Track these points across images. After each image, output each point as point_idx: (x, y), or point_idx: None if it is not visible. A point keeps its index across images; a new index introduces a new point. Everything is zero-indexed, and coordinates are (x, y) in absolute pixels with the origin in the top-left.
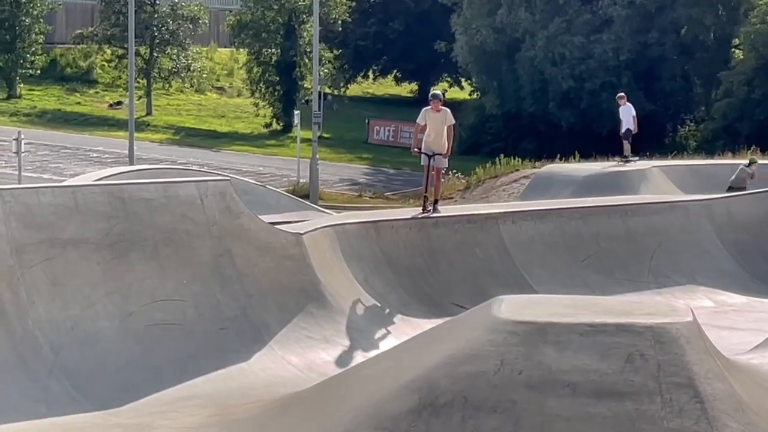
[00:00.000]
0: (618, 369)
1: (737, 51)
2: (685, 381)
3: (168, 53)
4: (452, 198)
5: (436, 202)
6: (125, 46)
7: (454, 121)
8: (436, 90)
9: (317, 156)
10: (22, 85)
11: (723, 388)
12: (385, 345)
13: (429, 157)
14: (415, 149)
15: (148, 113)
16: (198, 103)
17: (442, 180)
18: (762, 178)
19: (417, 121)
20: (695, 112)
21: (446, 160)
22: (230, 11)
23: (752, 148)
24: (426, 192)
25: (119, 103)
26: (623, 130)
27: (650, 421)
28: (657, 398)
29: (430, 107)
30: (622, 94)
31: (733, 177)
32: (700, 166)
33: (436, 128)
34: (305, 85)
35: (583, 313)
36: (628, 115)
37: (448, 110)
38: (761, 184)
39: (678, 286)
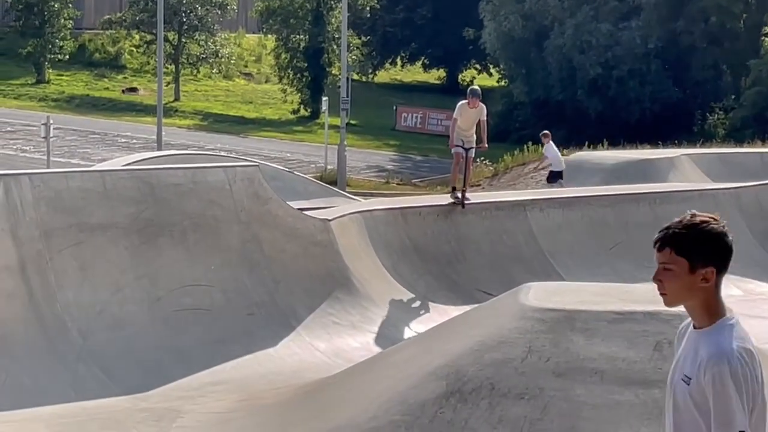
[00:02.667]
0: (646, 357)
1: (767, 39)
2: None
3: (196, 39)
4: (480, 185)
5: (465, 190)
6: (153, 31)
7: (486, 116)
8: (475, 87)
9: (345, 142)
10: (50, 70)
11: None
12: (413, 332)
13: (465, 150)
14: (456, 145)
15: (176, 99)
16: (226, 89)
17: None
18: None
19: (454, 115)
20: (724, 101)
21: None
22: None
23: None
24: (456, 183)
25: (134, 89)
26: (550, 171)
27: None
28: None
29: (466, 102)
30: (547, 132)
31: None
32: (729, 155)
33: (469, 122)
34: (333, 72)
35: (611, 301)
36: (554, 155)
37: (484, 106)
38: None
39: None
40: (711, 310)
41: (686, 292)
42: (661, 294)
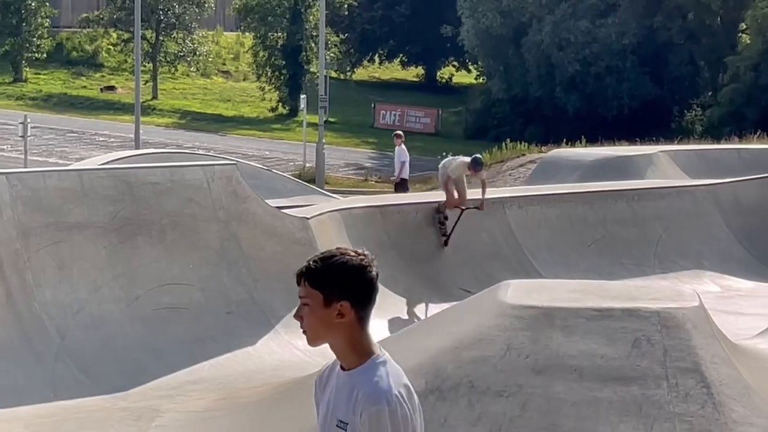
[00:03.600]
0: (624, 354)
1: (744, 36)
2: (691, 366)
3: (174, 37)
4: None
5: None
6: (131, 29)
7: (486, 175)
8: (479, 156)
9: (323, 140)
10: (27, 69)
11: (729, 372)
12: (392, 329)
13: (462, 210)
14: (458, 207)
15: (154, 97)
16: (204, 87)
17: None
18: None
19: (448, 173)
20: (702, 97)
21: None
22: None
23: (758, 133)
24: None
25: (111, 87)
26: (396, 176)
27: (656, 406)
28: (663, 383)
29: (465, 164)
30: (399, 132)
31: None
32: (707, 151)
33: (464, 182)
34: (311, 69)
35: (590, 298)
36: (398, 160)
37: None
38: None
39: (684, 271)
40: (357, 349)
41: (323, 327)
42: (303, 332)
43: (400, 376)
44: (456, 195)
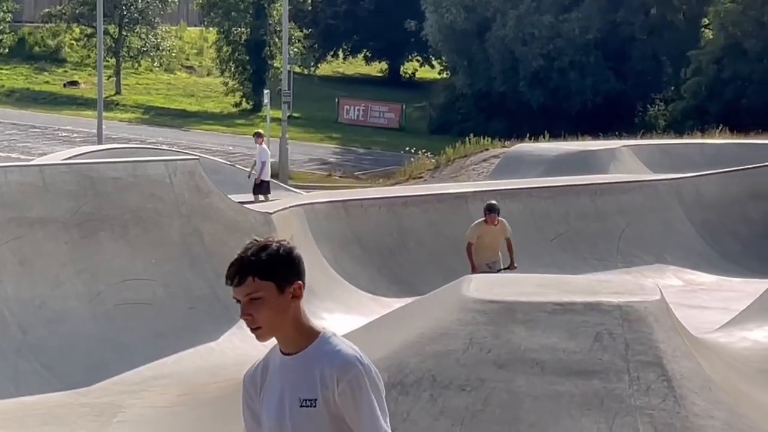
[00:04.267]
0: (586, 347)
1: (707, 30)
2: (652, 359)
3: (137, 32)
4: (422, 177)
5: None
6: (94, 24)
7: (511, 231)
8: (493, 202)
9: (287, 135)
10: None
11: (690, 366)
12: (354, 324)
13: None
14: (482, 272)
15: (117, 92)
16: (167, 82)
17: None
18: (729, 158)
19: (467, 239)
20: (665, 92)
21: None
22: None
23: (721, 128)
24: None
25: (74, 82)
26: (257, 177)
27: (618, 399)
28: (625, 376)
29: (482, 220)
30: (260, 131)
31: None
32: (670, 146)
33: (492, 243)
34: (275, 64)
35: (552, 292)
36: (259, 160)
37: (506, 222)
38: (726, 163)
39: (647, 265)
40: (304, 328)
41: (279, 316)
42: (254, 330)
43: (353, 346)
44: (491, 257)
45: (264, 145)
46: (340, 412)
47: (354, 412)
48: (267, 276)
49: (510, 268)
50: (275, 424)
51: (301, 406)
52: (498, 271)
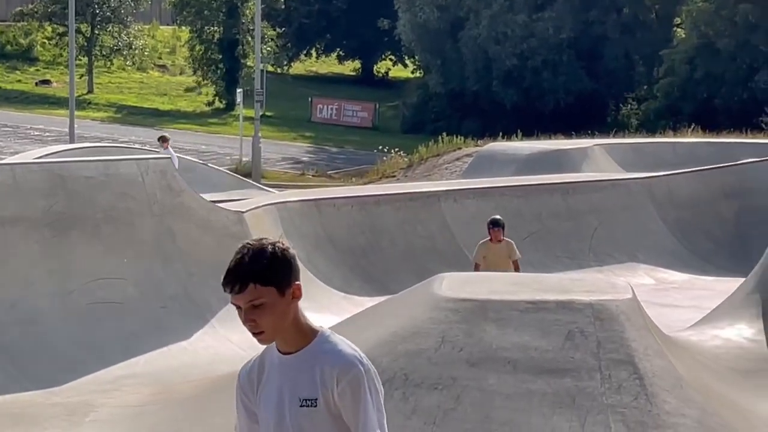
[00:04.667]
0: (558, 346)
1: (679, 30)
2: (624, 357)
3: (109, 31)
4: (395, 176)
5: None
6: (66, 23)
7: (520, 256)
8: (497, 216)
9: (260, 134)
10: None
11: (662, 364)
12: (327, 323)
13: None
14: None
15: (90, 91)
16: (140, 81)
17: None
18: (701, 157)
19: (473, 260)
20: (637, 91)
21: None
22: None
23: (693, 127)
24: None
25: (46, 81)
26: None
27: (590, 398)
28: (597, 375)
29: (486, 240)
30: (166, 135)
31: None
32: (642, 145)
33: (497, 263)
34: (248, 63)
35: (524, 291)
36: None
37: (512, 242)
38: (698, 162)
39: (619, 264)
40: (303, 327)
41: (281, 319)
42: (257, 334)
43: (353, 344)
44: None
45: (170, 149)
46: (339, 411)
47: (352, 413)
48: (268, 282)
49: None
50: (274, 423)
51: (301, 406)
52: None
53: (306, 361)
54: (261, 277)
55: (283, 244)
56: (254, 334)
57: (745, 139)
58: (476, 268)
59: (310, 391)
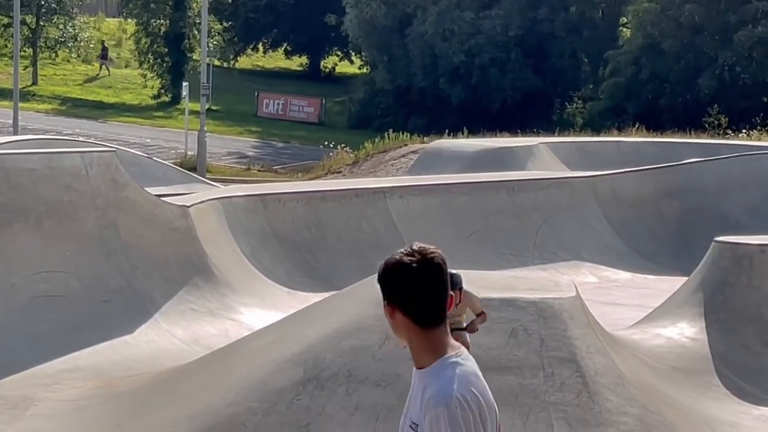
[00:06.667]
0: (502, 343)
1: (625, 30)
2: (567, 356)
3: (55, 22)
4: (341, 172)
5: None
6: (11, 14)
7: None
8: (456, 274)
9: (205, 128)
10: None
11: (604, 362)
12: (271, 319)
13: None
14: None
15: (34, 83)
16: (85, 73)
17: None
18: (645, 157)
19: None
20: (583, 90)
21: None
22: None
23: (637, 126)
24: None
25: None
26: None
27: (533, 395)
28: (540, 372)
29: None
30: None
31: None
32: (587, 144)
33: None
34: (194, 57)
35: (469, 288)
36: None
37: (472, 294)
38: (642, 162)
39: (563, 262)
40: (424, 350)
41: (394, 329)
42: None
43: (469, 379)
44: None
45: None
46: None
47: None
48: (380, 286)
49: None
50: None
51: (410, 426)
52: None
53: (422, 382)
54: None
55: (405, 260)
56: None
57: (689, 139)
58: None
59: (417, 414)
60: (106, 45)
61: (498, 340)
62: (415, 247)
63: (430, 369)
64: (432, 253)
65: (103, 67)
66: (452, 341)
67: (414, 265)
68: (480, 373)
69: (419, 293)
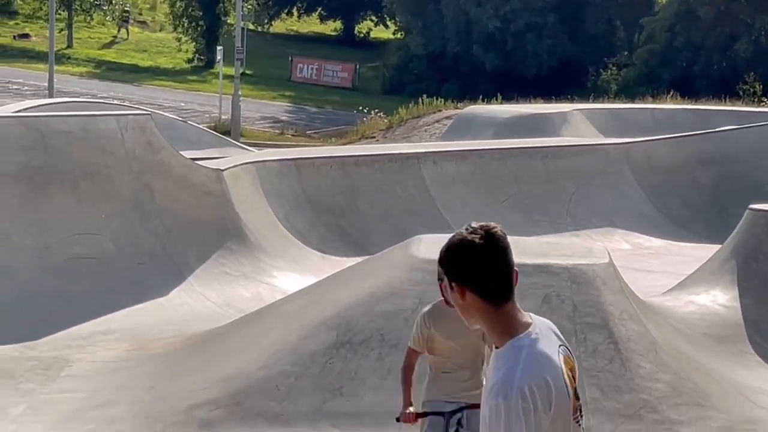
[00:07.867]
0: (534, 309)
1: None
2: (600, 322)
3: None
4: (374, 137)
5: None
6: None
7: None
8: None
9: (239, 93)
10: None
11: (637, 329)
12: (305, 283)
13: (447, 415)
14: (408, 410)
15: (69, 46)
16: (120, 36)
17: None
18: (679, 124)
19: (410, 344)
20: (617, 57)
21: None
22: None
23: (672, 93)
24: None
25: (26, 35)
26: None
27: None
28: (572, 338)
29: (438, 303)
30: None
31: None
32: (621, 110)
33: (465, 354)
34: (229, 21)
35: None
36: None
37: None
38: (676, 129)
39: (596, 229)
40: (497, 329)
41: (461, 309)
42: None
43: (537, 364)
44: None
45: None
46: (485, 429)
47: None
48: (443, 266)
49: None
50: None
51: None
52: (458, 410)
53: (495, 363)
54: (440, 260)
55: (472, 239)
56: None
57: (723, 106)
58: (411, 358)
59: (486, 397)
60: (128, 9)
61: (531, 306)
62: (475, 225)
63: (501, 351)
64: (494, 228)
65: (121, 30)
66: (523, 316)
67: (480, 241)
68: (554, 353)
69: (488, 270)
